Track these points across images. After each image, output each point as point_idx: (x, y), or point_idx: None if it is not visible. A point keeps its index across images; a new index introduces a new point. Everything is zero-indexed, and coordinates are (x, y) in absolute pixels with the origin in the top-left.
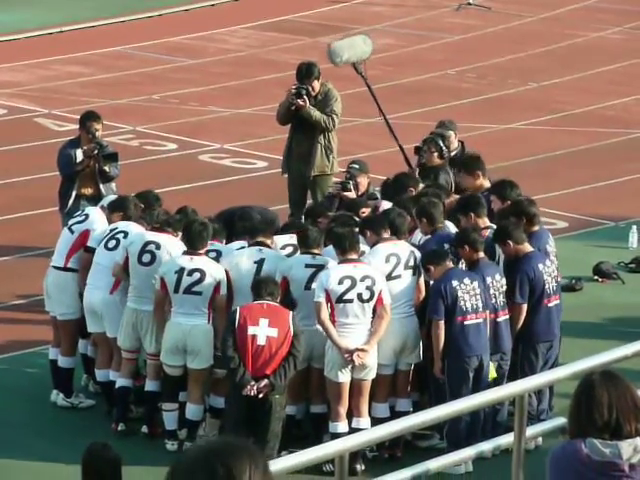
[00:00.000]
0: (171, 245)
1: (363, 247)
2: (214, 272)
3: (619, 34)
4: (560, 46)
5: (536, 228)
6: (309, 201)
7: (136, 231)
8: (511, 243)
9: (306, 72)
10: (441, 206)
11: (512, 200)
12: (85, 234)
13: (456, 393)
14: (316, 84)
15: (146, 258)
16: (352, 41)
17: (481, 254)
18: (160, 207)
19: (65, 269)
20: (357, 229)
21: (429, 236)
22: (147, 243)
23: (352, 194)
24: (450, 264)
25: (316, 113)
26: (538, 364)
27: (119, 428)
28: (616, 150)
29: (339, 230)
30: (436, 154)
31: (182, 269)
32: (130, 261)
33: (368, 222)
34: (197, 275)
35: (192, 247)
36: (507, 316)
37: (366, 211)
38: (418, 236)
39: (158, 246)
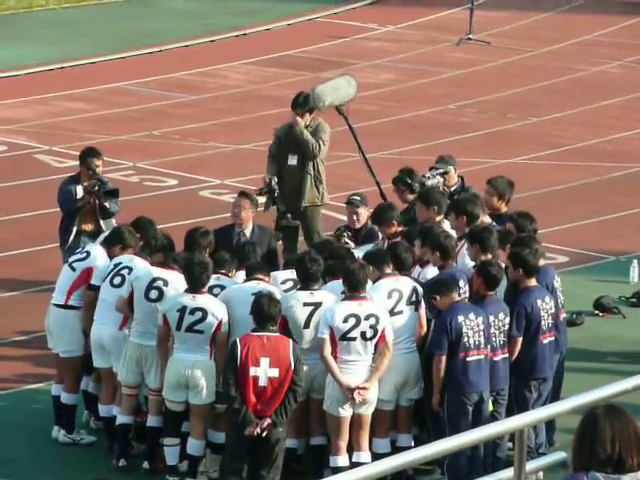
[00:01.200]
0: (178, 282)
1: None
2: (216, 311)
3: (619, 68)
4: (560, 80)
5: (541, 263)
6: (300, 238)
7: (141, 265)
8: (521, 271)
9: (303, 101)
10: (455, 240)
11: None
12: (88, 272)
13: (456, 427)
14: (308, 116)
15: (153, 295)
16: (336, 84)
17: (491, 292)
18: (155, 232)
19: (66, 307)
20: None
21: (432, 271)
22: (154, 280)
23: (350, 245)
24: (456, 296)
25: (307, 134)
26: (532, 398)
27: (120, 464)
28: (617, 184)
29: (351, 266)
30: (407, 191)
31: (184, 307)
32: (135, 295)
33: (371, 257)
34: (199, 314)
35: (193, 288)
36: (505, 355)
37: (396, 224)
38: (417, 270)
39: (166, 283)
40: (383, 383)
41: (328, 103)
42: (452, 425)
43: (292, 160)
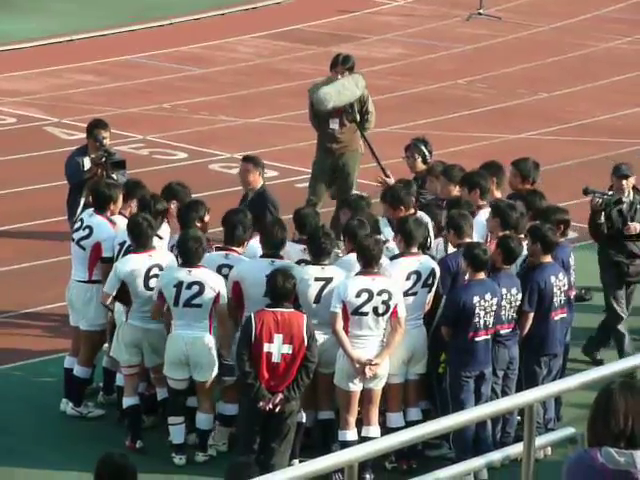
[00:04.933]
0: (169, 259)
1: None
2: (213, 283)
3: (629, 44)
4: (570, 56)
5: (562, 239)
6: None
7: (131, 260)
8: (539, 246)
9: (343, 60)
10: (470, 219)
11: (541, 208)
12: (97, 247)
13: (457, 400)
14: (347, 75)
15: (153, 283)
16: (341, 85)
17: (507, 266)
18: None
19: (91, 282)
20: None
21: (453, 249)
22: (149, 269)
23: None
24: (482, 276)
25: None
26: (541, 374)
27: (137, 446)
28: (627, 160)
29: (365, 242)
30: (420, 159)
31: (181, 283)
32: (131, 289)
33: (405, 230)
34: (196, 288)
35: (188, 262)
36: (509, 329)
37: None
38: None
39: (161, 267)
40: (391, 357)
41: (332, 105)
42: (454, 398)
43: (333, 124)
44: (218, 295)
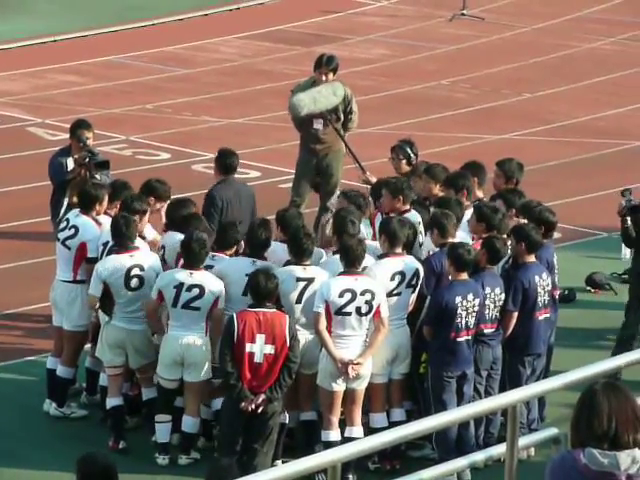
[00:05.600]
0: (151, 260)
1: (368, 259)
2: (213, 287)
3: (612, 45)
4: (553, 57)
5: (546, 240)
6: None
7: (112, 262)
8: (523, 245)
9: (327, 61)
10: (454, 218)
11: (526, 207)
12: (82, 247)
13: (439, 400)
14: (331, 76)
15: (134, 283)
16: (317, 92)
17: (492, 266)
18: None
19: (75, 282)
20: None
21: (437, 249)
22: (130, 269)
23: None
24: (465, 276)
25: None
26: (525, 374)
27: (120, 446)
28: (609, 161)
29: (349, 242)
30: (404, 161)
31: (181, 284)
32: (112, 289)
33: (389, 231)
34: (196, 291)
35: (191, 265)
36: (493, 329)
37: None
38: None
39: (142, 268)
40: (375, 357)
41: (305, 112)
42: (435, 398)
43: (317, 124)
44: (217, 299)
